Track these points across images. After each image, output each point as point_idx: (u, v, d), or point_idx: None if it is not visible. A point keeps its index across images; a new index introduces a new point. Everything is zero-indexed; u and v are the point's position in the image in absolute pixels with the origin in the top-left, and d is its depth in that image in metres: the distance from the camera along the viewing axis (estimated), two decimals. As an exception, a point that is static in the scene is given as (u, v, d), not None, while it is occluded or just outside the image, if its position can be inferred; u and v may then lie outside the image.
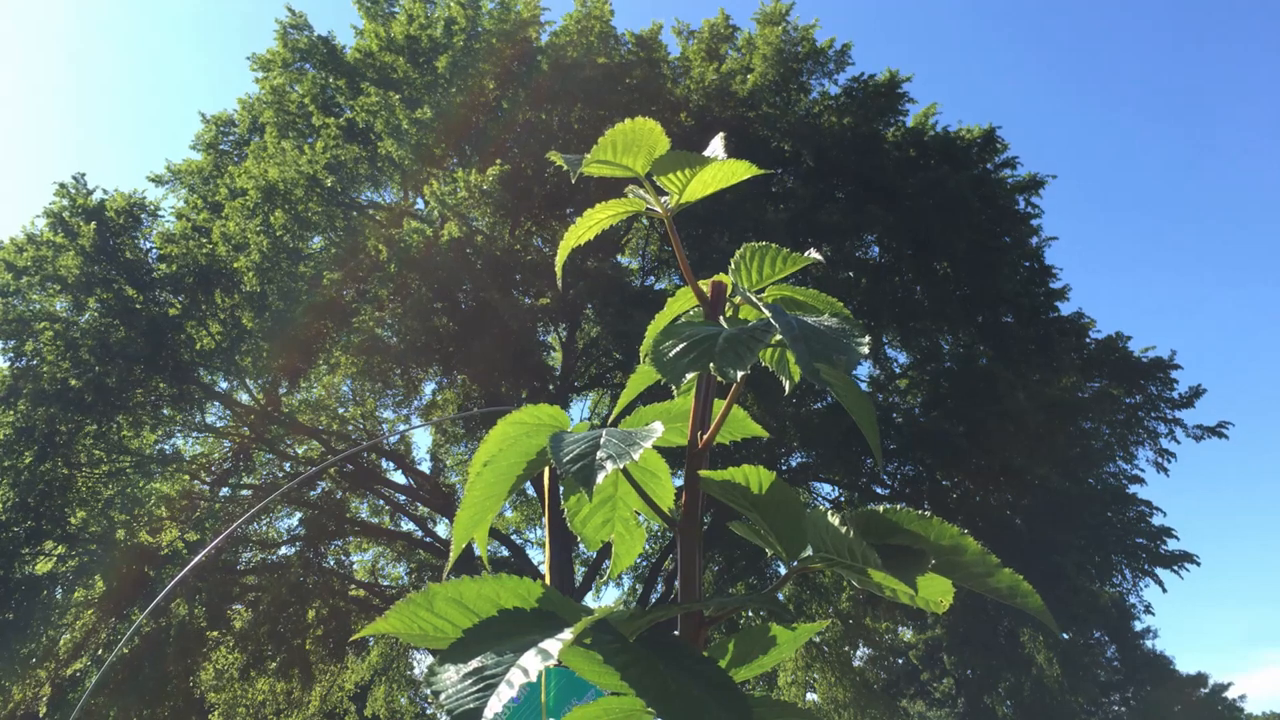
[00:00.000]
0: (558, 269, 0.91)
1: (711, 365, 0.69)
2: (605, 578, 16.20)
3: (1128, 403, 15.27)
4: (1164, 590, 14.12)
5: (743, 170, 0.81)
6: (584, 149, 0.84)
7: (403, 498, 16.21)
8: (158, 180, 15.91)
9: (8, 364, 13.01)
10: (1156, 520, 14.49)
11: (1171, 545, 14.33)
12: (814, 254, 0.85)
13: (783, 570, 0.81)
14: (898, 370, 16.12)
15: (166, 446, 14.78)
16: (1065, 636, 16.32)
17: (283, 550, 15.37)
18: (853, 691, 17.15)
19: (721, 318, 0.81)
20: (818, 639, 16.08)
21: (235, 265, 13.03)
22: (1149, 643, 31.23)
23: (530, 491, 15.50)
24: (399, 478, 16.33)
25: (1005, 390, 12.82)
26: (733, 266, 0.85)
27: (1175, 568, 14.17)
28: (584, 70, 13.90)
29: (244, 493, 14.74)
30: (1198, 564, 14.12)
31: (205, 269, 13.28)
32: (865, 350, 0.70)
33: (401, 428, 16.31)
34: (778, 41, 15.05)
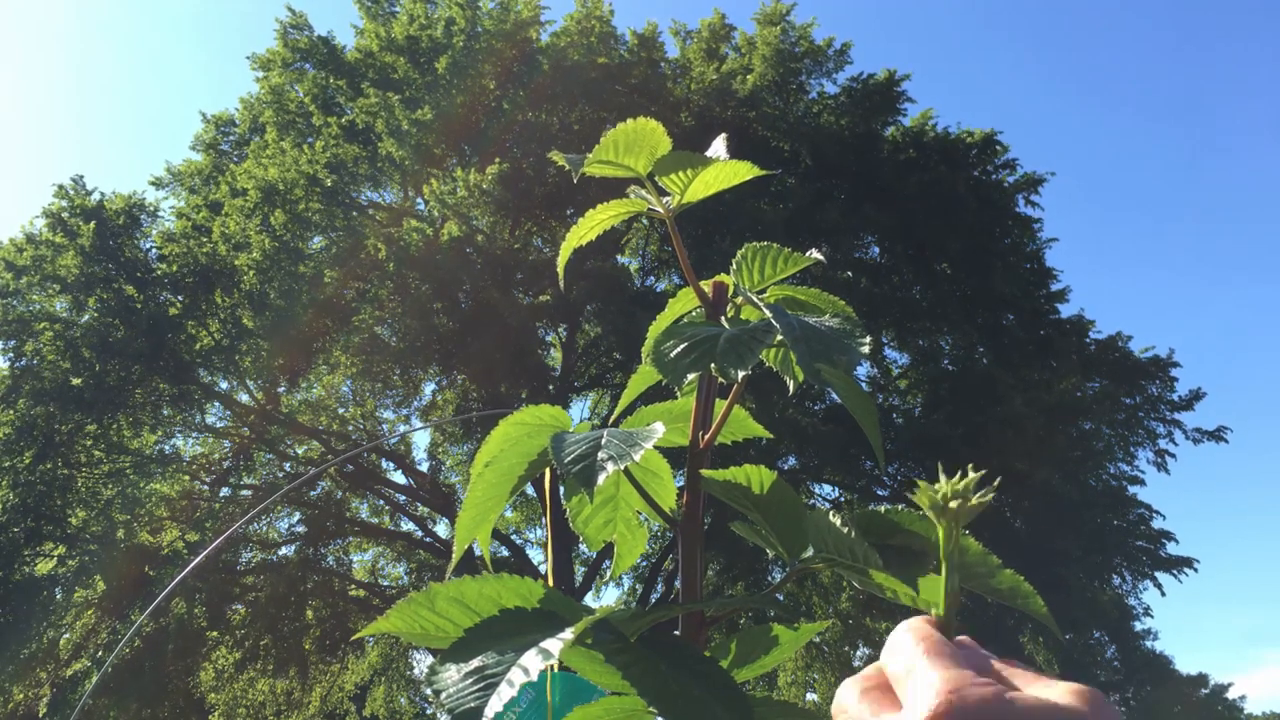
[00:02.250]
0: (560, 270, 0.91)
1: (713, 366, 0.69)
2: (606, 578, 16.18)
3: (1127, 403, 15.26)
4: (1163, 594, 14.14)
5: (745, 171, 0.81)
6: (584, 149, 0.83)
7: (403, 498, 16.21)
8: (158, 183, 15.91)
9: (7, 364, 13.01)
10: (1156, 523, 14.50)
11: (1171, 549, 14.35)
12: (815, 254, 0.85)
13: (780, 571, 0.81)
14: (897, 371, 16.12)
15: (166, 446, 14.78)
16: (1068, 637, 16.30)
17: (283, 550, 15.37)
18: (853, 692, 17.09)
19: (723, 318, 0.81)
20: (818, 639, 16.07)
21: (235, 264, 13.02)
22: (1149, 643, 31.14)
23: (530, 491, 15.49)
24: (399, 478, 16.35)
25: (1005, 393, 12.81)
26: (734, 267, 0.85)
27: (1175, 572, 14.17)
28: (584, 70, 13.90)
29: (244, 493, 14.73)
30: (1196, 570, 14.14)
31: (205, 268, 13.27)
32: (866, 350, 0.69)
33: (401, 428, 16.30)
34: (777, 42, 15.04)
